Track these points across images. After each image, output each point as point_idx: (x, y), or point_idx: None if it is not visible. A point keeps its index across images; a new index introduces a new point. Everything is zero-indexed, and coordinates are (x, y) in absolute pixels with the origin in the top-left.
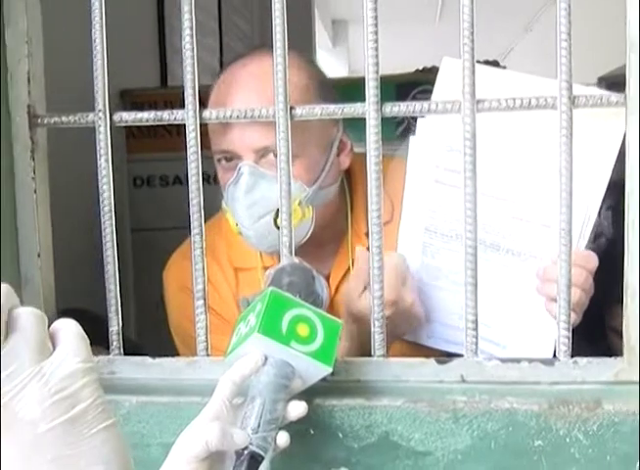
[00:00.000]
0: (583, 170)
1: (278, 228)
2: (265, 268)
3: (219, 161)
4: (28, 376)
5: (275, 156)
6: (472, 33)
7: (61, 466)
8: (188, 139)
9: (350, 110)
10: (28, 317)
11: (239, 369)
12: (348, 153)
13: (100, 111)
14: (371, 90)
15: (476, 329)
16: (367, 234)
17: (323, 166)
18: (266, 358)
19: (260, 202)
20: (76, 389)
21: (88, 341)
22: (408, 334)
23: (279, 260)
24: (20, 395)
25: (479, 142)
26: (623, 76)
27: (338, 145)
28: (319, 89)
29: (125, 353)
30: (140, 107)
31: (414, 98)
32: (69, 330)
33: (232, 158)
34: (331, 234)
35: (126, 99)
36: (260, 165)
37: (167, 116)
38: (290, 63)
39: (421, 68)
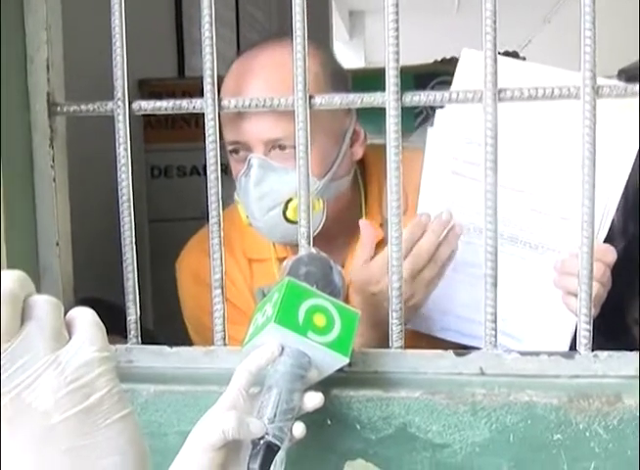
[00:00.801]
0: (603, 163)
1: (287, 220)
2: (279, 259)
3: (231, 152)
4: (43, 365)
5: (282, 148)
6: (494, 22)
7: (75, 457)
8: (207, 128)
9: (370, 99)
10: (44, 305)
11: (255, 359)
12: (362, 143)
13: (119, 99)
14: (391, 79)
15: (495, 321)
16: (381, 225)
17: (335, 158)
18: (283, 348)
19: (270, 194)
20: (92, 378)
21: (105, 329)
22: (420, 326)
23: (293, 252)
24: (34, 384)
25: (499, 133)
26: None
27: (351, 135)
28: (331, 77)
29: (142, 343)
30: (158, 97)
31: (433, 89)
32: (86, 318)
33: (242, 149)
34: (344, 226)
35: (144, 89)
36: (270, 157)
37: (186, 104)
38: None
39: (439, 59)
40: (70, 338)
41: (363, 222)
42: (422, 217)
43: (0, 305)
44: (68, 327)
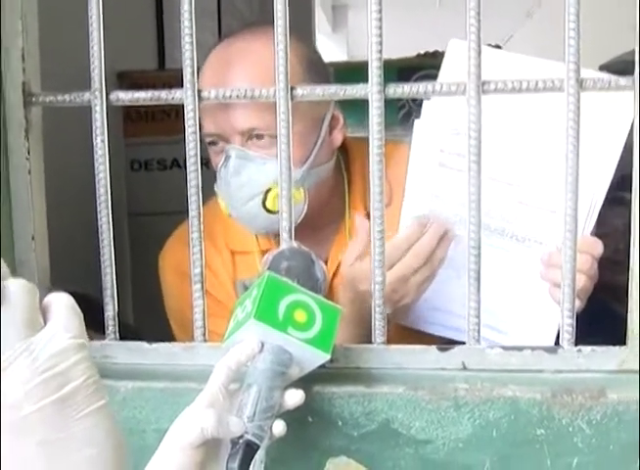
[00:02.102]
0: (590, 157)
1: (267, 210)
2: (262, 252)
3: (209, 144)
4: (16, 352)
5: (260, 137)
6: (478, 14)
7: (49, 449)
8: (186, 119)
9: (353, 91)
10: (17, 289)
11: (235, 355)
12: (342, 128)
13: (96, 90)
14: (374, 71)
15: (478, 316)
16: (365, 217)
17: (314, 144)
18: (263, 345)
19: (248, 184)
20: (67, 367)
21: (82, 315)
22: (404, 319)
23: (276, 244)
24: (5, 373)
25: (485, 126)
26: (625, 64)
27: (329, 121)
28: (309, 71)
29: (123, 338)
30: (138, 89)
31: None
32: (61, 303)
33: (220, 140)
34: (327, 216)
35: (124, 81)
36: (248, 147)
37: (165, 95)
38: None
39: (422, 52)
40: (45, 324)
41: (359, 217)
42: (421, 218)
43: None
44: (44, 314)
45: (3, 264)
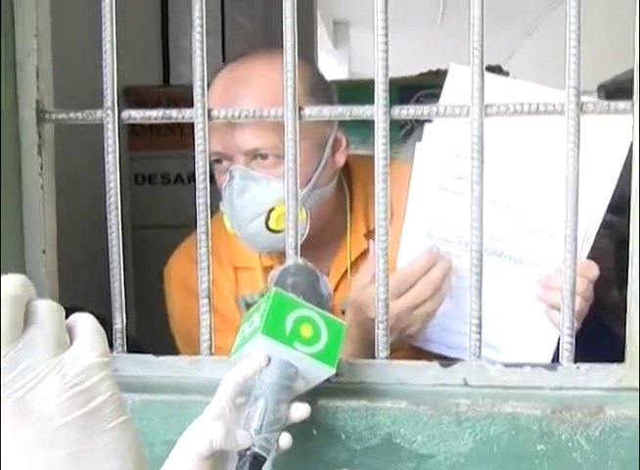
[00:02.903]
0: (588, 180)
1: (269, 230)
2: (264, 268)
3: (214, 162)
4: (46, 369)
5: (264, 157)
6: (481, 38)
7: (76, 461)
8: (196, 138)
9: (359, 112)
10: (47, 310)
11: (242, 369)
12: (344, 150)
13: (108, 108)
14: (380, 93)
15: (479, 332)
16: (366, 235)
17: (316, 166)
18: (270, 359)
19: (252, 204)
20: (94, 383)
21: (105, 335)
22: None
23: (279, 260)
24: (36, 388)
25: (486, 149)
26: (623, 83)
27: (332, 143)
28: (311, 91)
29: (127, 351)
30: (143, 104)
31: (417, 101)
32: (87, 324)
33: (225, 160)
34: (329, 234)
35: (130, 96)
36: (252, 167)
37: (176, 114)
38: (281, 64)
39: (425, 71)
40: (72, 343)
41: (373, 243)
42: (433, 250)
43: (2, 308)
44: (69, 332)
45: (30, 285)
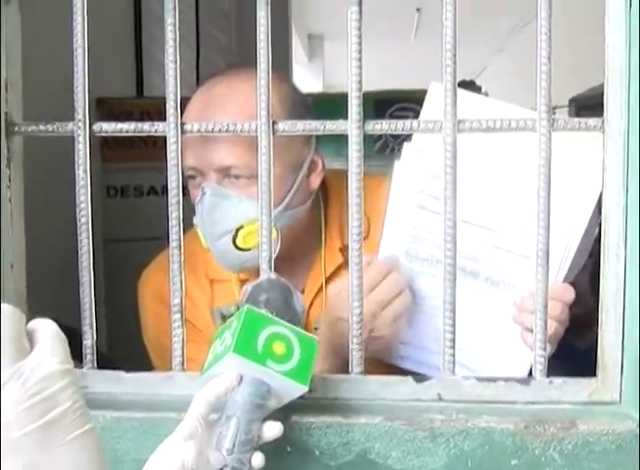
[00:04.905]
0: (566, 202)
1: (237, 248)
2: (240, 280)
3: (189, 178)
4: (4, 377)
5: (237, 177)
6: (454, 55)
7: None
8: (168, 151)
9: (333, 126)
10: (5, 315)
11: (213, 388)
12: (320, 172)
13: (80, 121)
14: (354, 108)
15: (453, 347)
16: (341, 250)
17: (290, 188)
18: (242, 377)
19: (221, 222)
20: (54, 391)
21: (66, 341)
22: (380, 354)
23: (254, 273)
24: None
25: (462, 171)
26: (594, 98)
27: (308, 165)
28: (289, 110)
29: (98, 367)
30: (116, 116)
31: (392, 115)
32: (47, 329)
33: (198, 175)
34: (303, 249)
35: (102, 108)
36: (224, 185)
37: (148, 127)
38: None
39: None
40: (32, 349)
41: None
42: (392, 256)
43: None
44: (29, 338)
45: None
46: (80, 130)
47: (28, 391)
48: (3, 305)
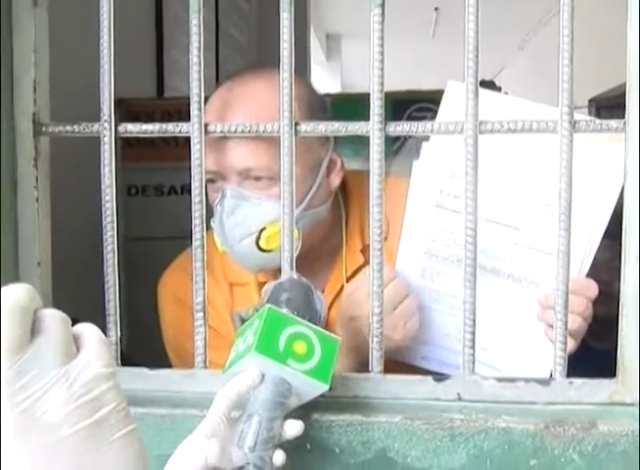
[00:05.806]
0: (587, 199)
1: (260, 249)
2: (259, 284)
3: (208, 181)
4: (53, 379)
5: (257, 179)
6: (476, 56)
7: None
8: (192, 152)
9: (354, 128)
10: (54, 319)
11: (235, 386)
12: (339, 171)
13: (105, 121)
14: (376, 109)
15: (473, 347)
16: (362, 250)
17: (309, 188)
18: (263, 376)
19: (243, 224)
20: (100, 393)
21: (110, 346)
22: (400, 355)
23: (273, 276)
24: (44, 397)
25: (482, 168)
26: (614, 99)
27: (327, 164)
28: (307, 113)
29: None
30: (136, 117)
31: (410, 116)
32: (93, 334)
33: (218, 179)
34: (324, 250)
35: (123, 109)
36: (244, 187)
37: (172, 128)
38: (277, 84)
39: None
40: (78, 353)
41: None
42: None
43: (8, 317)
44: (75, 342)
45: (36, 295)
46: (106, 131)
47: (75, 393)
48: (54, 311)
